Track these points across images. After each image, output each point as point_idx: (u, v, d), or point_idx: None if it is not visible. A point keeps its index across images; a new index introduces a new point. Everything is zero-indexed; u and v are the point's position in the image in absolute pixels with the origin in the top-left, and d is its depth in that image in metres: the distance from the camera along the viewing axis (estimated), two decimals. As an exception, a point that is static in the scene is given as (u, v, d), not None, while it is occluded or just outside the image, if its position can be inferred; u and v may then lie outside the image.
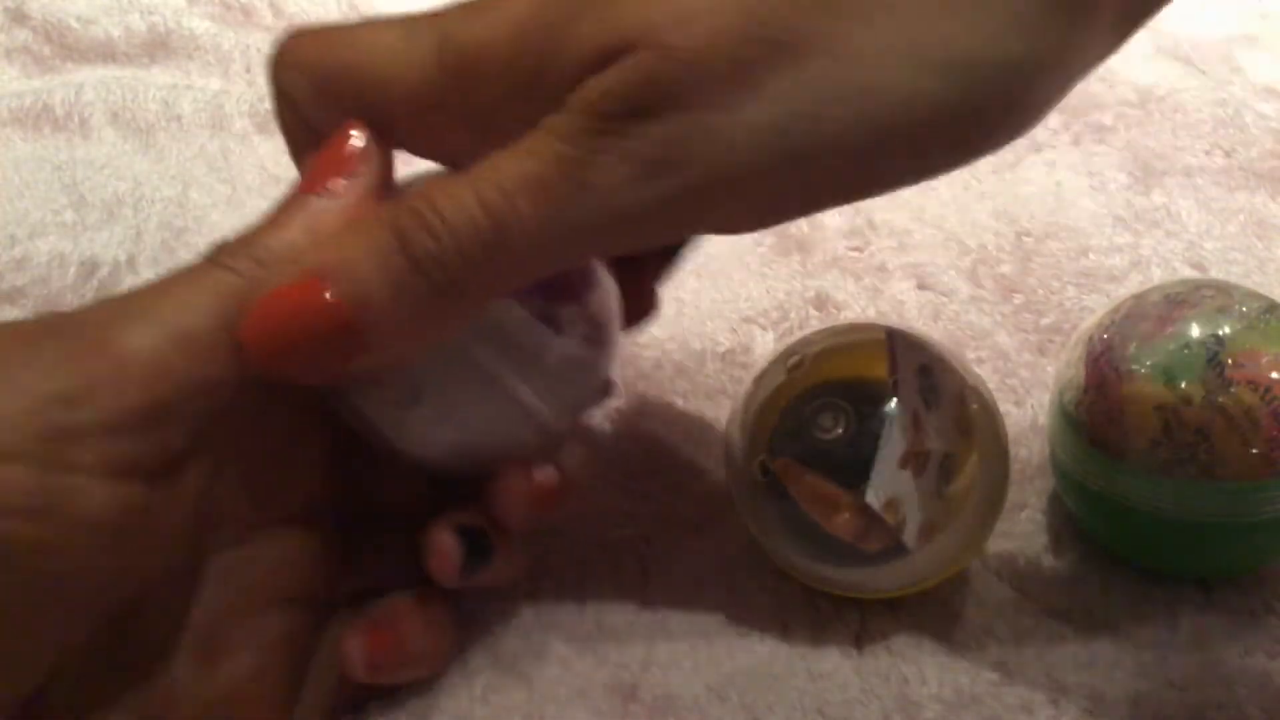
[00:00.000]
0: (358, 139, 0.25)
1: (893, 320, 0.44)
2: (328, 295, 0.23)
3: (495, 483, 0.29)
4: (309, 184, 0.25)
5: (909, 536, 0.30)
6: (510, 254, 0.23)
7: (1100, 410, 0.32)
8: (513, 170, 0.23)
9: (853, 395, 0.31)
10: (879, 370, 0.31)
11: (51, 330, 0.23)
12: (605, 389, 0.31)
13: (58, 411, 0.22)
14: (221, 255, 0.25)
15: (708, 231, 0.26)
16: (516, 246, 0.23)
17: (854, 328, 0.33)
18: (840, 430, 0.31)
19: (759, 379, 0.33)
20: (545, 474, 0.29)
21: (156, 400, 0.23)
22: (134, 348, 0.23)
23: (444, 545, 0.28)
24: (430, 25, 0.25)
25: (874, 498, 0.30)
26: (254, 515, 0.27)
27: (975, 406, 0.31)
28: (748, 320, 0.44)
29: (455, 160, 0.26)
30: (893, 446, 0.30)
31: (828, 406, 0.31)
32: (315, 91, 0.26)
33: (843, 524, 0.30)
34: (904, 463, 0.30)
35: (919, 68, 0.22)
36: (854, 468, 0.30)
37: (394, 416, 0.28)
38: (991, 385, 0.40)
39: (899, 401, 0.30)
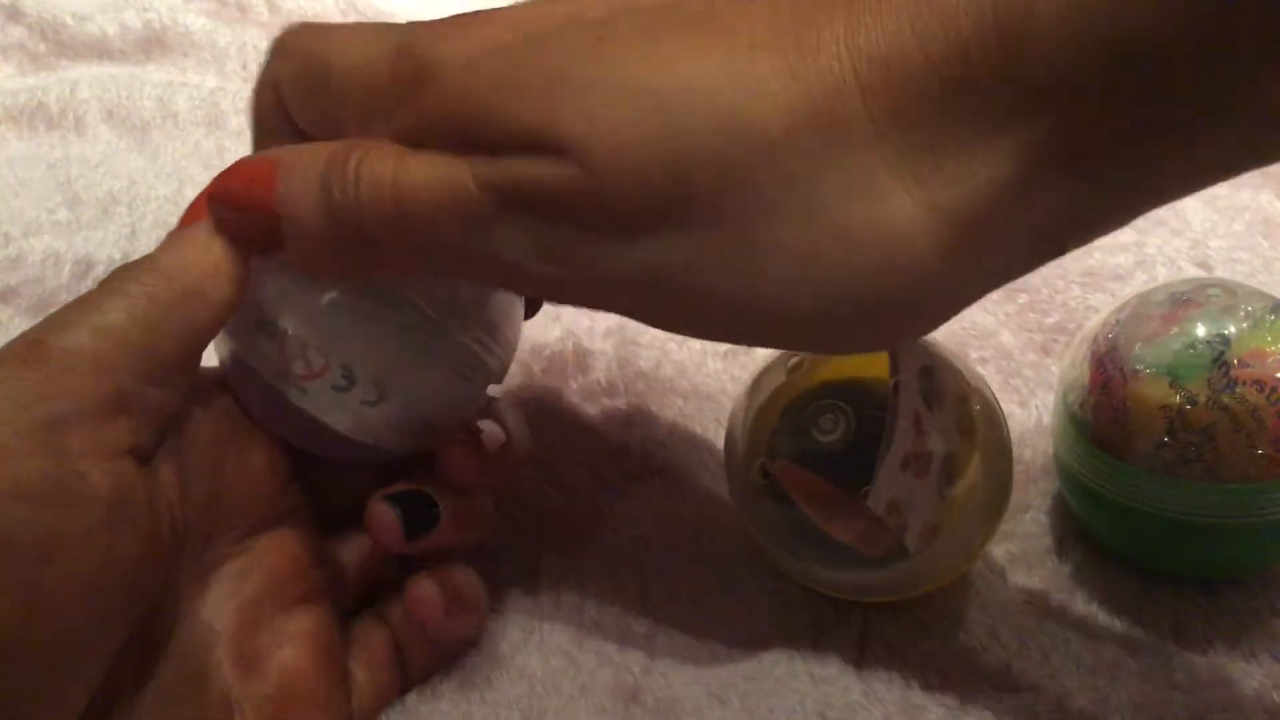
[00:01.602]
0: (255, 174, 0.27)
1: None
2: (275, 183, 0.25)
3: (445, 448, 0.30)
4: (198, 212, 0.27)
5: (911, 539, 0.30)
6: (410, 243, 0.25)
7: (1105, 410, 0.32)
8: (436, 179, 0.24)
9: (853, 397, 0.31)
10: (879, 371, 0.31)
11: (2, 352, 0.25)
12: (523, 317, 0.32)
13: (39, 407, 0.23)
14: (123, 273, 0.26)
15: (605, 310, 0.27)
16: (416, 241, 0.25)
17: None
18: (840, 433, 0.30)
19: (758, 380, 0.33)
20: (491, 433, 0.31)
21: (113, 387, 0.24)
22: (72, 346, 0.24)
23: (381, 515, 0.29)
24: (397, 34, 0.26)
25: (875, 501, 0.29)
26: (236, 520, 0.28)
27: (978, 408, 0.31)
28: (748, 319, 0.44)
29: None
30: (894, 449, 0.30)
31: (827, 409, 0.31)
32: (293, 80, 0.27)
33: (843, 527, 0.30)
34: (905, 465, 0.30)
35: (797, 278, 0.22)
36: (855, 470, 0.30)
37: (333, 401, 0.28)
38: (995, 385, 0.40)
39: (900, 403, 0.30)
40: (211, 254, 0.26)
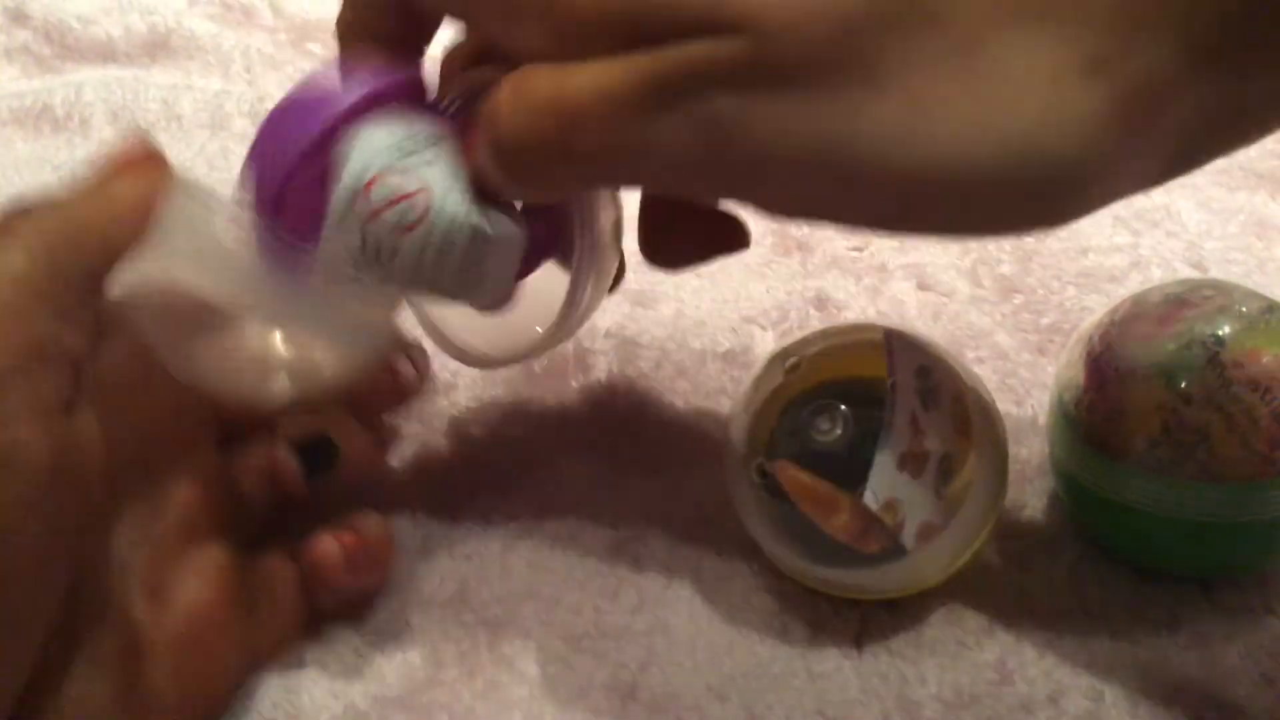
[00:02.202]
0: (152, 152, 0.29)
1: (893, 320, 0.44)
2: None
3: (366, 384, 0.32)
4: (111, 168, 0.28)
5: (908, 537, 0.30)
6: (577, 157, 0.25)
7: (1100, 410, 0.32)
8: (595, 86, 0.24)
9: (850, 396, 0.31)
10: (877, 370, 0.31)
11: None
12: None
13: None
14: (17, 216, 0.26)
15: (745, 205, 0.27)
16: (584, 154, 0.25)
17: (852, 328, 0.33)
18: (838, 432, 0.31)
19: (757, 381, 0.33)
20: (406, 368, 0.34)
21: (31, 334, 0.24)
22: None
23: (281, 462, 0.32)
24: None
25: (872, 499, 0.30)
26: (147, 459, 0.29)
27: (974, 407, 0.31)
28: (748, 320, 0.44)
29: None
30: (891, 448, 0.30)
31: (825, 408, 0.31)
32: None
33: (841, 525, 0.30)
34: (902, 464, 0.30)
35: (979, 137, 0.22)
36: (852, 469, 0.30)
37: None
38: (991, 385, 0.40)
39: (897, 402, 0.30)
40: (110, 191, 0.27)
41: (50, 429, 0.24)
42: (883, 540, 0.30)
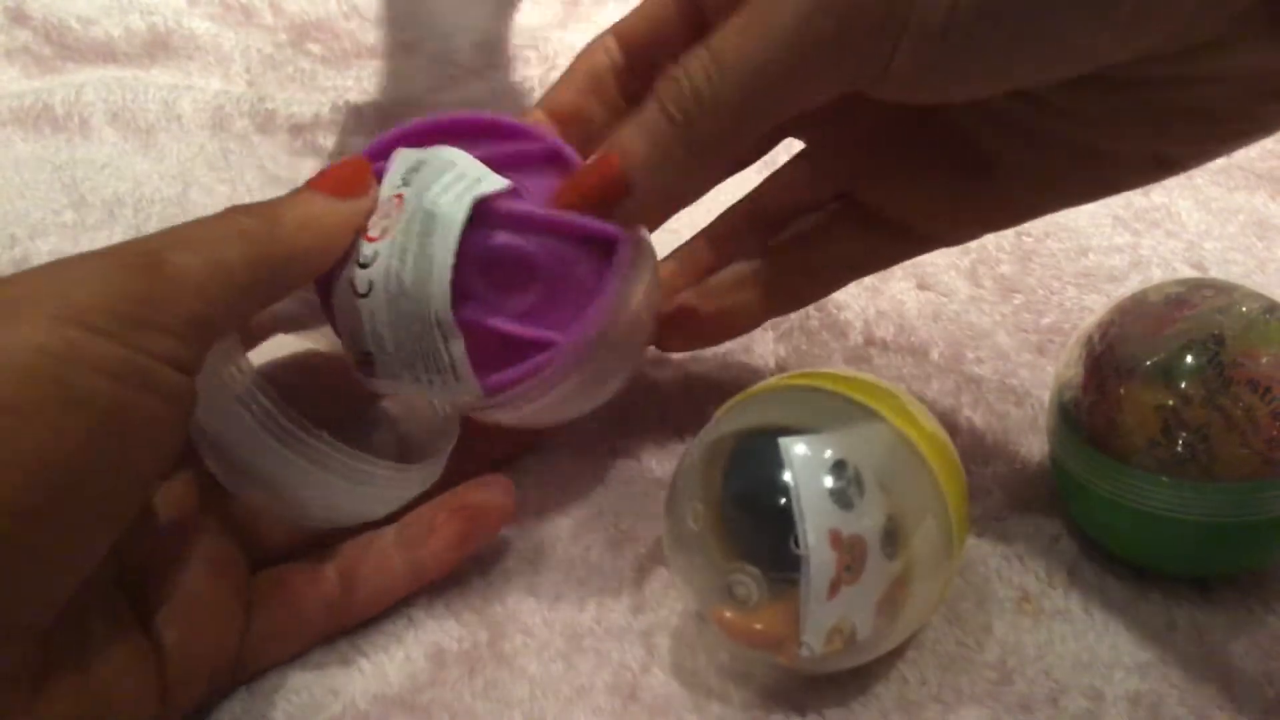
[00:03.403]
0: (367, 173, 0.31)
1: (892, 321, 0.44)
2: (614, 160, 0.29)
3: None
4: (320, 183, 0.30)
5: (864, 630, 0.29)
6: (733, 95, 0.27)
7: (1100, 410, 0.32)
8: (727, 26, 0.27)
9: (762, 544, 0.29)
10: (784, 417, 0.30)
11: (118, 251, 0.26)
12: None
13: (134, 307, 0.25)
14: (240, 210, 0.28)
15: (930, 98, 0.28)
16: (738, 87, 0.27)
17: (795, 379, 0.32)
18: (756, 597, 0.29)
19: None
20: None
21: (199, 315, 0.26)
22: (184, 266, 0.26)
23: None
24: None
25: (811, 646, 0.28)
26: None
27: (903, 454, 0.30)
28: (748, 320, 0.44)
29: None
30: (817, 586, 0.27)
31: (736, 571, 0.29)
32: None
33: (792, 656, 0.29)
34: (834, 590, 0.28)
35: None
36: (784, 617, 0.28)
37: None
38: (991, 385, 0.41)
39: (810, 559, 0.27)
40: (324, 223, 0.29)
41: (180, 381, 0.26)
42: (837, 645, 0.29)
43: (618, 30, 0.33)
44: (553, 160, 0.31)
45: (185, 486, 0.31)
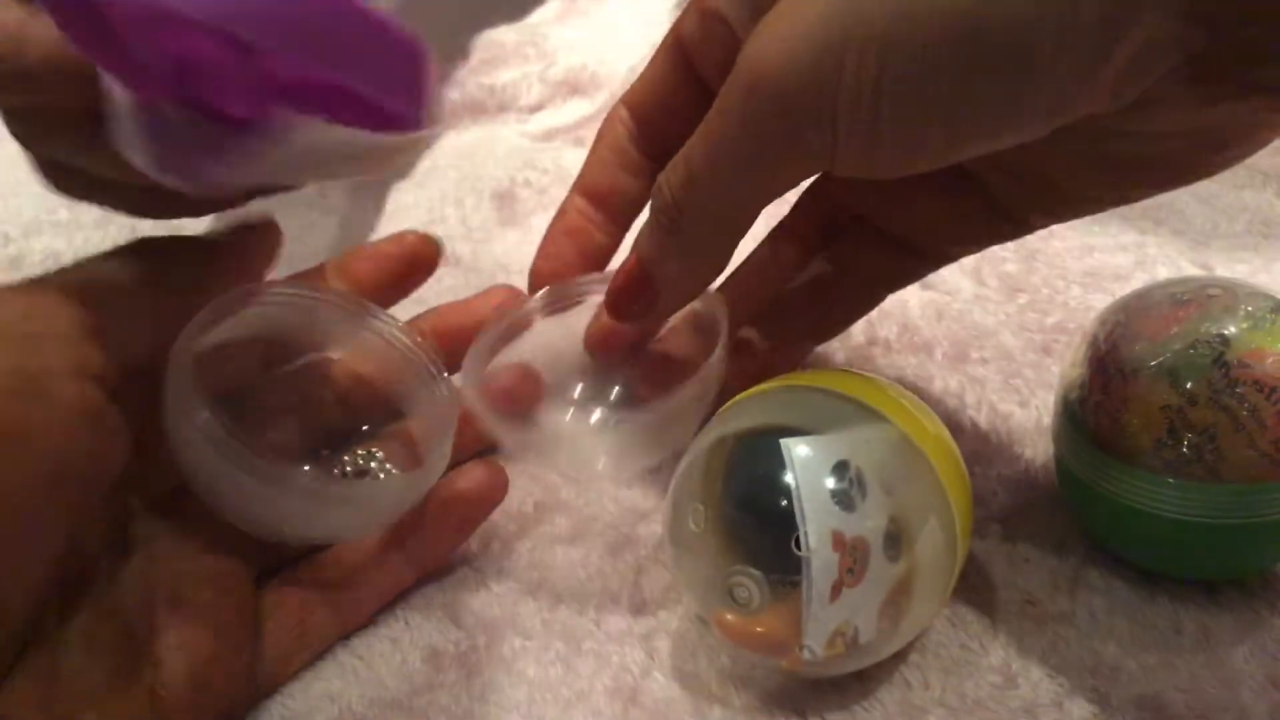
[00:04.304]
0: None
1: (895, 320, 0.43)
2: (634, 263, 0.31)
3: None
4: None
5: (866, 635, 0.28)
6: (701, 195, 0.29)
7: (1105, 410, 0.32)
8: (698, 133, 0.29)
9: (764, 546, 0.29)
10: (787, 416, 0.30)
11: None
12: None
13: (23, 324, 0.26)
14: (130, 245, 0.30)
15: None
16: (703, 189, 0.29)
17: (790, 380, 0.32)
18: (757, 601, 0.29)
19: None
20: None
21: (89, 318, 0.27)
22: (61, 282, 0.27)
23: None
24: None
25: (813, 649, 0.28)
26: (168, 478, 0.30)
27: (905, 456, 0.29)
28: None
29: None
30: (819, 588, 0.27)
31: (738, 573, 0.29)
32: None
33: (793, 659, 0.29)
34: (836, 592, 0.27)
35: None
36: (786, 620, 0.28)
37: None
38: (995, 385, 0.40)
39: (811, 561, 0.27)
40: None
41: (80, 388, 0.26)
42: (839, 648, 0.29)
43: (628, 101, 0.34)
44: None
45: (179, 510, 0.31)
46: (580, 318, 0.35)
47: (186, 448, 0.28)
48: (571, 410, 0.35)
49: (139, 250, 0.30)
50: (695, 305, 0.33)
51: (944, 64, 0.24)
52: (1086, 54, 0.24)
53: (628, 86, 0.34)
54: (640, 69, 0.34)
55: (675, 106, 0.33)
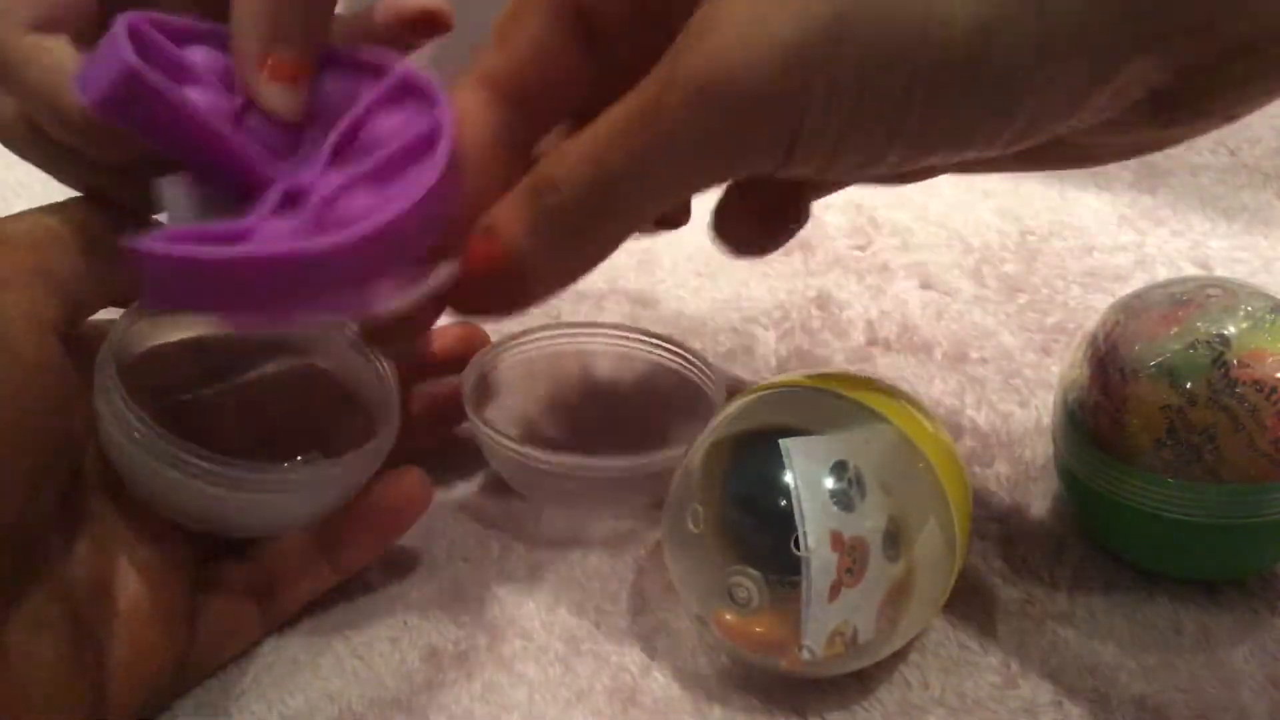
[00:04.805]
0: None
1: (895, 321, 0.43)
2: (499, 245, 0.28)
3: None
4: None
5: (865, 635, 0.28)
6: (614, 192, 0.27)
7: (1105, 410, 0.32)
8: (607, 119, 0.26)
9: (763, 547, 0.28)
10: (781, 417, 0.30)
11: None
12: None
13: None
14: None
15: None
16: (619, 185, 0.26)
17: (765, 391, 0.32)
18: (755, 601, 0.29)
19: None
20: None
21: (43, 264, 0.27)
22: (13, 231, 0.28)
23: None
24: None
25: (812, 649, 0.28)
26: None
27: (904, 456, 0.29)
28: (749, 320, 0.44)
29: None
30: (818, 588, 0.27)
31: (736, 574, 0.29)
32: None
33: (793, 659, 0.29)
34: (835, 592, 0.27)
35: None
36: (784, 621, 0.28)
37: None
38: (995, 385, 0.40)
39: (810, 561, 0.27)
40: None
41: (40, 338, 0.26)
42: (839, 648, 0.28)
43: (493, 81, 0.29)
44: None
45: (120, 493, 0.30)
46: None
47: (110, 446, 0.28)
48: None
49: (86, 205, 0.30)
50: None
51: (929, 92, 0.24)
52: (1071, 94, 0.24)
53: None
54: None
55: (560, 80, 0.29)
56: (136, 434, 0.27)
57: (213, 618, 0.31)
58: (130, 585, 0.29)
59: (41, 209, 0.29)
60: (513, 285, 0.28)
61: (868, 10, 0.23)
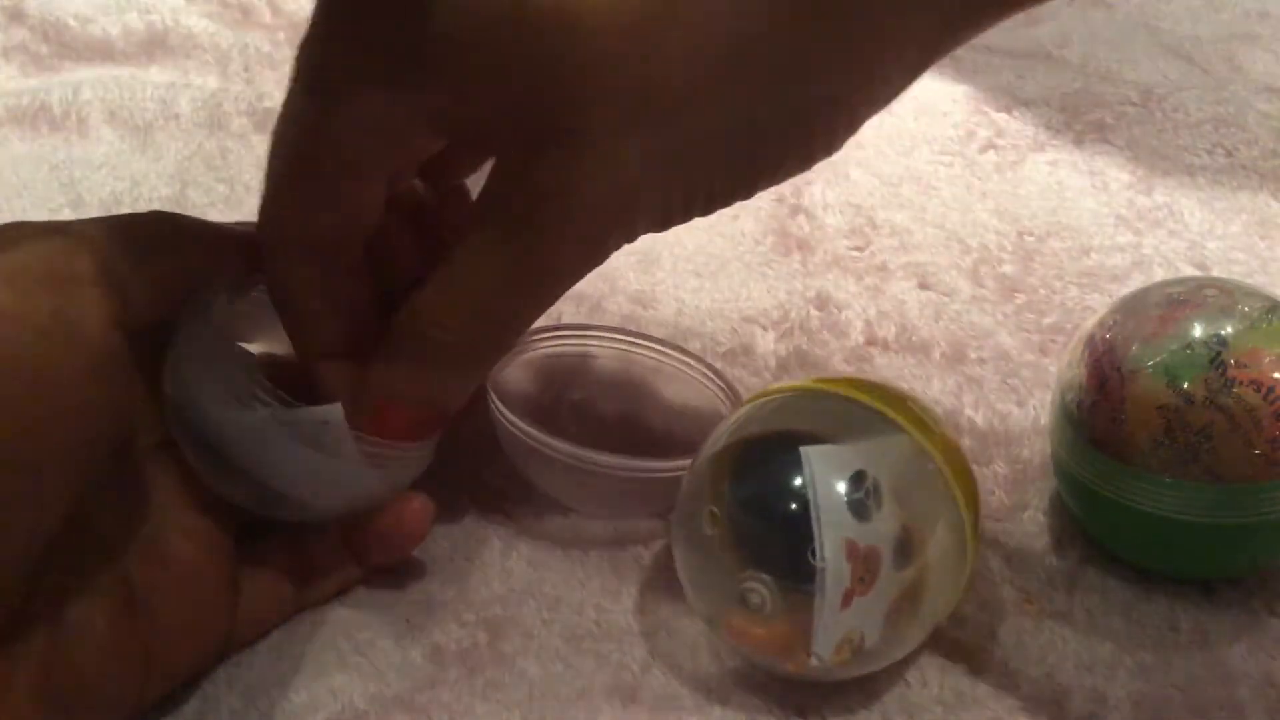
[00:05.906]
0: None
1: (892, 320, 0.43)
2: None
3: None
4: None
5: (872, 641, 0.29)
6: (507, 332, 0.31)
7: (1102, 410, 0.32)
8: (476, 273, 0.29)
9: (777, 553, 0.29)
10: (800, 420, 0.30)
11: (29, 224, 0.28)
12: None
13: (60, 260, 0.27)
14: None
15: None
16: (511, 326, 0.31)
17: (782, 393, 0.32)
18: (769, 606, 0.29)
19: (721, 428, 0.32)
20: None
21: (115, 267, 0.28)
22: (87, 231, 0.28)
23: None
24: None
25: (821, 656, 0.28)
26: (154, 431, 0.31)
27: (917, 465, 0.30)
28: (748, 320, 0.44)
29: None
30: (831, 598, 0.27)
31: (749, 579, 0.29)
32: None
33: (800, 665, 0.29)
34: (847, 600, 0.28)
35: None
36: (795, 625, 0.28)
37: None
38: (993, 385, 0.41)
39: (826, 570, 0.27)
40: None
41: (107, 334, 0.27)
42: (846, 655, 0.29)
43: (307, 243, 0.31)
44: None
45: (171, 465, 0.31)
46: None
47: (221, 418, 0.29)
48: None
49: (156, 218, 0.31)
50: None
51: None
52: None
53: None
54: None
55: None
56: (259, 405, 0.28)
57: (255, 593, 0.32)
58: (181, 552, 0.30)
59: (113, 217, 0.30)
60: (440, 417, 0.32)
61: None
